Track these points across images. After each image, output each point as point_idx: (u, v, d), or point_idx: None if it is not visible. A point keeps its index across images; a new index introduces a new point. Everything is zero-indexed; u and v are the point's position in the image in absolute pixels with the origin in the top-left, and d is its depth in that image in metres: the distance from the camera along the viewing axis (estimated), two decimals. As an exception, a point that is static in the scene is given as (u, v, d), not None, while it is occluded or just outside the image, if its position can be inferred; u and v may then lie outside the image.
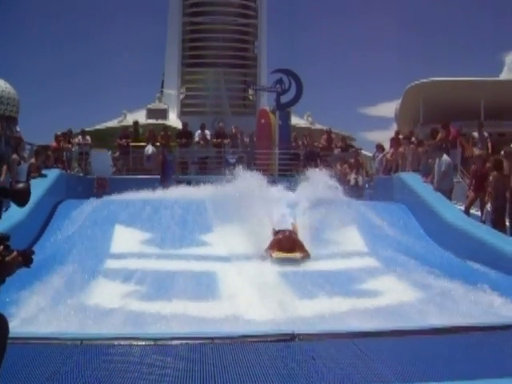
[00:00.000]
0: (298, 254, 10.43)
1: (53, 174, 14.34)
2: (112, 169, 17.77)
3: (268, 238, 10.99)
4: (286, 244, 10.60)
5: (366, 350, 5.14)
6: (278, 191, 14.34)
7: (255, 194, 11.99)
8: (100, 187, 16.19)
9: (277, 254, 10.35)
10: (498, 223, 10.72)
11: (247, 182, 12.29)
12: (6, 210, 10.95)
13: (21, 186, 3.20)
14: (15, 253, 2.99)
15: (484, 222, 11.34)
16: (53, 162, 15.60)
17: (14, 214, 10.69)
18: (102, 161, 17.04)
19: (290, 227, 11.46)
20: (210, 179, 15.25)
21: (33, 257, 3.11)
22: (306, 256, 10.49)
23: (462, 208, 12.35)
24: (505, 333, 6.00)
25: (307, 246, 10.78)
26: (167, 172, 17.64)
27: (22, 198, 3.19)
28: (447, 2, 79.70)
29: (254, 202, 11.75)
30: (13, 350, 3.44)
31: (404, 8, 74.99)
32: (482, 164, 12.11)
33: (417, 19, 78.88)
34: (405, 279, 9.20)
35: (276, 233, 11.09)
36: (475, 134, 15.19)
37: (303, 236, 11.19)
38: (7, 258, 2.93)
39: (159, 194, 14.86)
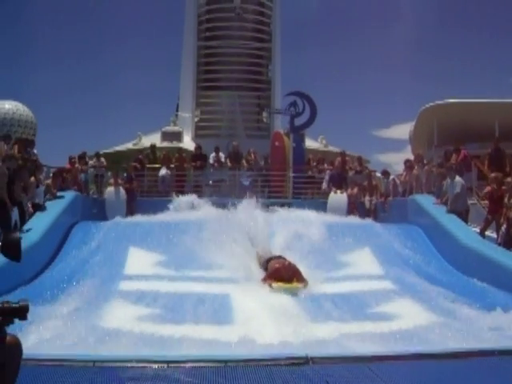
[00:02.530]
0: (299, 285, 9.89)
1: (68, 195, 14.48)
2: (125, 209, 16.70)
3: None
4: (286, 274, 10.02)
5: (380, 374, 5.07)
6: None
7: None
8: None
9: (278, 285, 9.77)
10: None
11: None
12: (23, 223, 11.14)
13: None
14: None
15: (500, 244, 11.21)
16: (69, 184, 15.75)
17: (30, 235, 10.82)
18: (117, 204, 16.56)
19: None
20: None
21: (27, 313, 3.06)
22: (306, 285, 9.94)
23: (478, 230, 12.24)
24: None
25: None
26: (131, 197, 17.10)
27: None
28: (461, 24, 80.00)
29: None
30: (25, 371, 3.45)
31: (418, 29, 75.39)
32: (499, 186, 12.01)
33: (431, 41, 79.22)
34: (420, 302, 9.12)
35: (269, 260, 10.74)
36: None
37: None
38: None
39: (173, 216, 14.90)
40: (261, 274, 10.60)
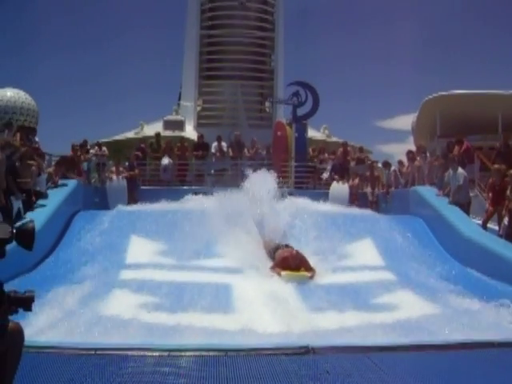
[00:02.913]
0: (308, 274, 10.05)
1: (70, 184, 14.48)
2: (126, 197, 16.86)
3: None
4: (293, 262, 10.19)
5: (380, 364, 5.09)
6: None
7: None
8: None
9: (286, 274, 9.92)
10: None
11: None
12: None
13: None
14: None
15: (501, 236, 11.20)
16: (76, 173, 15.75)
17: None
18: (119, 192, 16.69)
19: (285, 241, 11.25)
20: None
21: (32, 304, 3.06)
22: (314, 274, 10.14)
23: (480, 222, 12.23)
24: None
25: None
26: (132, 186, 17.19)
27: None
28: (465, 16, 79.58)
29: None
30: (27, 358, 3.46)
31: (421, 20, 74.89)
32: (501, 177, 11.97)
33: (434, 32, 78.74)
34: (421, 293, 9.12)
35: (277, 248, 10.91)
36: None
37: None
38: None
39: (175, 205, 14.90)
40: (268, 262, 10.71)
